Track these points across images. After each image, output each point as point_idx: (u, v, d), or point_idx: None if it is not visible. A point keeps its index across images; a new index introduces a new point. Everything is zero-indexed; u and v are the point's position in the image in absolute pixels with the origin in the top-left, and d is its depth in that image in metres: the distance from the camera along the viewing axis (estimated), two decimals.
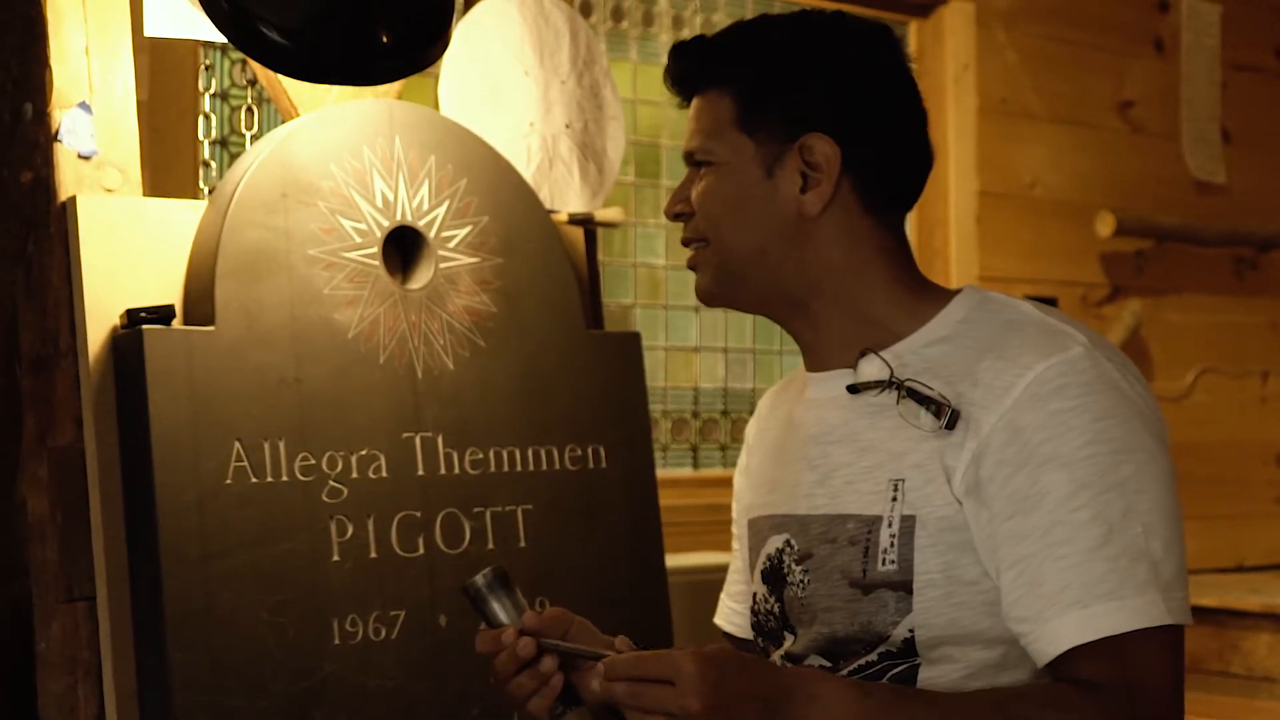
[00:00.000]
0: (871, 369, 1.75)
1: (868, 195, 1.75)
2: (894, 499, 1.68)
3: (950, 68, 3.94)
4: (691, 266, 1.82)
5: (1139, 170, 4.20)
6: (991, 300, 1.75)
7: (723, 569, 2.09)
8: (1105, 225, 4.01)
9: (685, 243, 1.82)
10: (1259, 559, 4.33)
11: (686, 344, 3.68)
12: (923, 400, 1.67)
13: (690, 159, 1.80)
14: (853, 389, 1.76)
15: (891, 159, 1.77)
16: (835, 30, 1.79)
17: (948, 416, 1.65)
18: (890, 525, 1.67)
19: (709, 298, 1.83)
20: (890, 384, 1.71)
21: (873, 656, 1.68)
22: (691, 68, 1.80)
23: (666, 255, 3.64)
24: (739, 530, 1.97)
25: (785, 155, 1.74)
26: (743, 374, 3.77)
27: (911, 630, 1.65)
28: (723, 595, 2.05)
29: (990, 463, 1.62)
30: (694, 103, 1.80)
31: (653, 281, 3.64)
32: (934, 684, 1.66)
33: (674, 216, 1.82)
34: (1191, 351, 4.28)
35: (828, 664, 1.72)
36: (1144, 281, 4.18)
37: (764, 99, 1.75)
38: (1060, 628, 1.58)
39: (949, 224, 3.95)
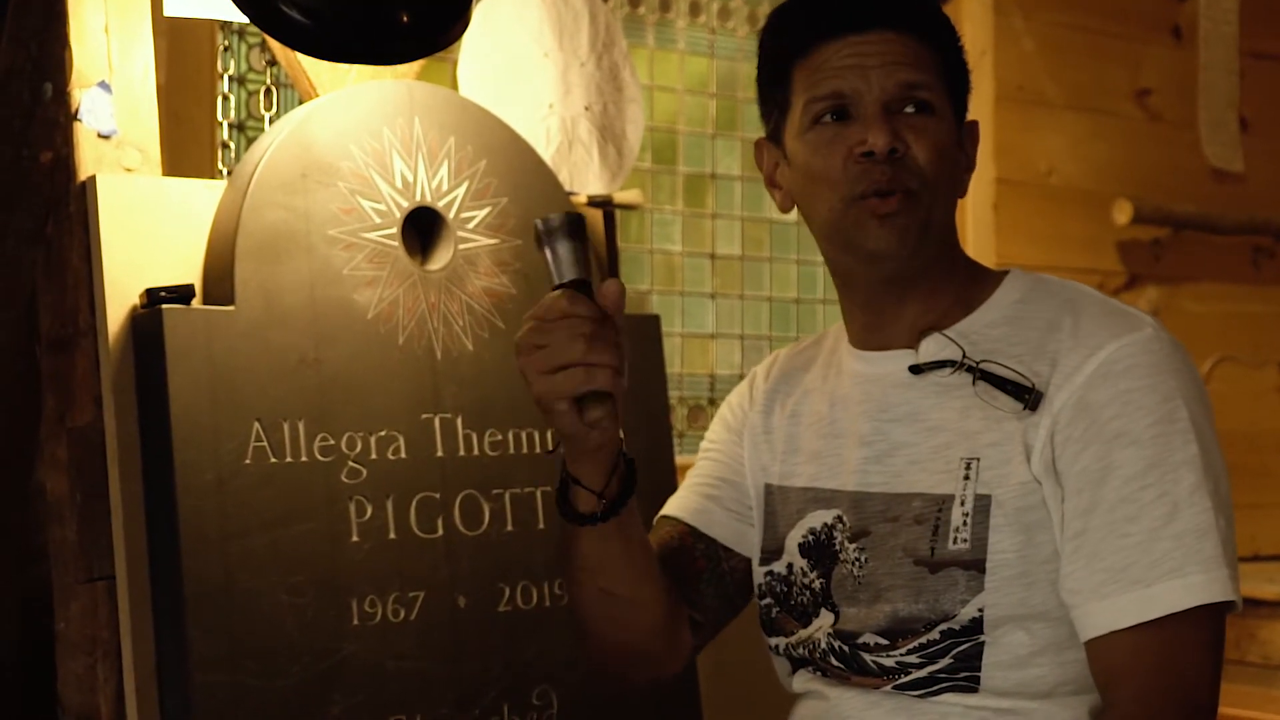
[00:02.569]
0: (937, 349, 1.75)
1: None
2: (966, 478, 1.68)
3: (967, 55, 3.93)
4: (893, 213, 1.69)
5: (1156, 158, 4.18)
6: (1045, 280, 1.78)
7: None
8: (1122, 213, 4.00)
9: (891, 186, 1.69)
10: (1276, 548, 4.31)
11: (703, 331, 3.67)
12: (999, 382, 1.68)
13: (910, 95, 1.70)
14: (916, 369, 1.75)
15: None
16: None
17: (1031, 397, 1.66)
18: (963, 504, 1.67)
19: (893, 254, 1.71)
20: (962, 365, 1.72)
21: (934, 635, 1.67)
22: (910, 4, 1.75)
23: (683, 242, 3.63)
24: (732, 460, 1.95)
25: (961, 131, 1.77)
26: (759, 361, 3.75)
27: (981, 609, 1.65)
28: (686, 491, 1.97)
29: (1061, 439, 1.64)
30: (891, 37, 1.71)
31: (669, 268, 3.63)
32: (999, 661, 1.66)
33: (889, 152, 1.68)
34: (1208, 340, 4.26)
35: (884, 642, 1.71)
36: (1161, 270, 4.16)
37: (959, 70, 1.77)
38: (1120, 605, 1.59)
39: (966, 212, 3.93)
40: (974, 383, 1.70)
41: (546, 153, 2.48)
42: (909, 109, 1.70)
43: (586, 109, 2.57)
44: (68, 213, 2.06)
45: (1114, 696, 1.62)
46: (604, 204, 2.50)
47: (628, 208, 2.57)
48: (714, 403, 3.66)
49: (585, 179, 2.55)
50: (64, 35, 2.07)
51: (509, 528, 2.24)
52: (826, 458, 1.83)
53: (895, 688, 1.71)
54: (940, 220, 1.74)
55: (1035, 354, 1.69)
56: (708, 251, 3.68)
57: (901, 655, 1.70)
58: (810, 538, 1.81)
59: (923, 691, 1.69)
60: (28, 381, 2.11)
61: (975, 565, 1.65)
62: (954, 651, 1.67)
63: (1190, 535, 1.59)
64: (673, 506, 1.97)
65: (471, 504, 2.22)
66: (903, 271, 1.74)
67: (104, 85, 2.09)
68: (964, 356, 1.72)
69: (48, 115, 2.08)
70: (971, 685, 1.67)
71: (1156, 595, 1.58)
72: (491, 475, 2.24)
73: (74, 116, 2.07)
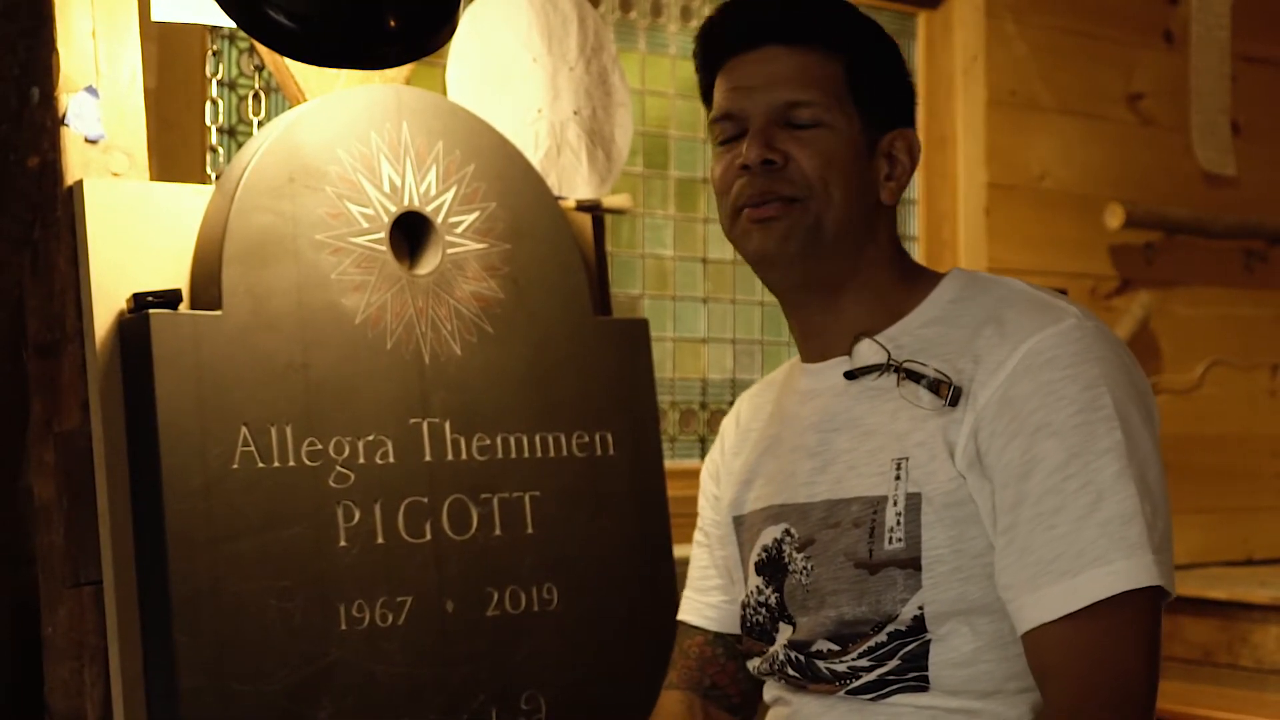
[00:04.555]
0: (868, 353, 1.77)
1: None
2: (898, 478, 1.69)
3: (959, 59, 3.93)
4: (767, 219, 1.74)
5: (1148, 162, 4.19)
6: (980, 279, 1.80)
7: None
8: (1114, 217, 4.00)
9: (763, 195, 1.74)
10: (1268, 552, 4.31)
11: (695, 335, 3.67)
12: (921, 379, 1.70)
13: (789, 111, 1.75)
14: (850, 375, 1.78)
15: None
16: None
17: (950, 393, 1.68)
18: (896, 504, 1.69)
19: (775, 257, 1.76)
20: (888, 367, 1.74)
21: (882, 637, 1.69)
22: (803, 18, 1.77)
23: (675, 246, 3.63)
24: (718, 530, 1.97)
25: (879, 141, 1.78)
26: (751, 365, 3.76)
27: (921, 607, 1.66)
28: (688, 592, 2.04)
29: (986, 434, 1.65)
30: (782, 52, 1.76)
31: (661, 273, 3.63)
32: (945, 660, 1.67)
33: (764, 163, 1.73)
34: (1201, 344, 4.27)
35: (836, 648, 1.72)
36: (1153, 274, 4.16)
37: (871, 80, 1.77)
38: (1048, 597, 1.60)
39: (958, 216, 3.94)
40: (898, 384, 1.72)
41: (535, 157, 2.48)
42: (795, 125, 1.75)
43: (575, 113, 2.57)
44: (55, 217, 2.06)
45: (1049, 690, 1.62)
46: (593, 208, 2.49)
47: (617, 212, 2.57)
48: (705, 407, 3.66)
49: (574, 183, 2.55)
50: (51, 40, 2.07)
51: (497, 532, 2.24)
52: (778, 476, 1.85)
53: (848, 692, 1.73)
54: (837, 227, 1.75)
55: (960, 352, 1.70)
56: (699, 256, 3.68)
57: (853, 660, 1.71)
58: (764, 555, 1.83)
59: (874, 695, 1.71)
60: (15, 386, 2.10)
61: (911, 563, 1.67)
62: (901, 652, 1.68)
63: (1115, 522, 1.59)
64: (686, 611, 2.02)
65: (459, 509, 2.22)
66: (807, 278, 1.78)
67: (91, 90, 2.09)
68: (889, 358, 1.74)
69: (35, 120, 2.08)
70: (921, 685, 1.68)
71: (1082, 585, 1.59)
72: (479, 480, 2.24)
73: (61, 121, 2.07)
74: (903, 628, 1.67)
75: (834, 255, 1.76)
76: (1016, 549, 1.62)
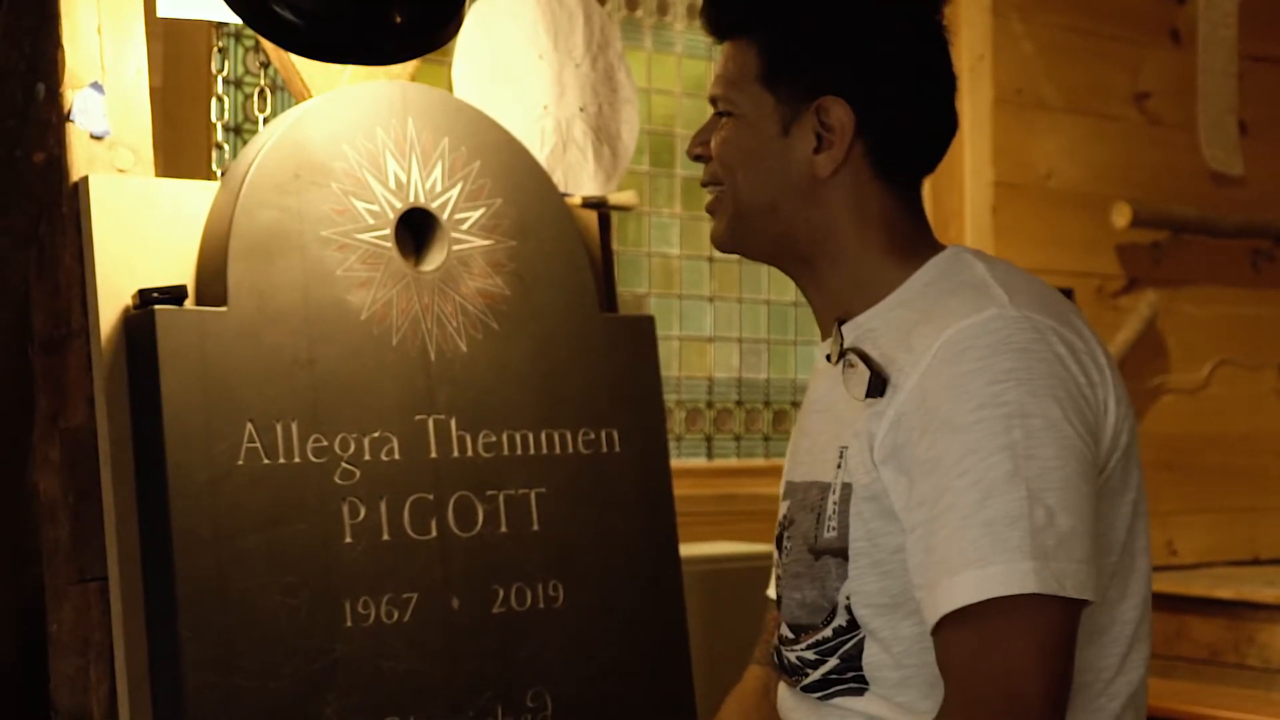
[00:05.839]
0: (848, 336, 1.75)
1: (879, 161, 1.75)
2: (839, 466, 1.69)
3: (966, 58, 3.93)
4: (710, 211, 1.85)
5: (1155, 162, 4.18)
6: (959, 261, 1.73)
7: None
8: (1121, 217, 4.00)
9: (704, 184, 1.84)
10: (1275, 551, 4.31)
11: (701, 334, 3.67)
12: (857, 370, 1.68)
13: (714, 103, 1.82)
14: (829, 357, 1.77)
15: (908, 126, 1.76)
16: None
17: (870, 384, 1.65)
18: (834, 493, 1.68)
19: (720, 243, 1.85)
20: (845, 352, 1.72)
21: (827, 632, 1.69)
22: (724, 13, 1.82)
23: (681, 245, 3.63)
24: None
25: (802, 115, 1.75)
26: (757, 364, 3.76)
27: (849, 598, 1.66)
28: (775, 570, 2.01)
29: (905, 428, 1.61)
30: (724, 48, 1.82)
31: (667, 271, 3.63)
32: (878, 659, 1.66)
33: (694, 157, 1.84)
34: (1207, 343, 4.26)
35: (791, 635, 1.75)
36: (1160, 273, 4.16)
37: (789, 57, 1.75)
38: (937, 595, 1.55)
39: (964, 215, 3.94)
40: (842, 371, 1.71)
41: (541, 154, 2.47)
42: (721, 116, 1.81)
43: (581, 110, 2.57)
44: (60, 213, 2.06)
45: (945, 689, 1.57)
46: (599, 205, 2.49)
47: (622, 209, 2.57)
48: (711, 406, 3.66)
49: (580, 180, 2.55)
50: (57, 35, 2.07)
51: (503, 529, 2.24)
52: (792, 454, 1.87)
53: (801, 689, 1.73)
54: (753, 206, 1.77)
55: (900, 340, 1.67)
56: (706, 254, 3.68)
57: (801, 650, 1.72)
58: (778, 530, 1.85)
59: (820, 694, 1.71)
60: (20, 382, 2.10)
61: (841, 553, 1.66)
62: (840, 650, 1.68)
63: (999, 524, 1.52)
64: (770, 586, 1.99)
65: (465, 505, 2.22)
66: (765, 255, 1.85)
67: (97, 86, 2.09)
68: (842, 345, 1.73)
69: (41, 116, 2.08)
70: (860, 688, 1.68)
71: (957, 585, 1.52)
72: (485, 477, 2.24)
73: (67, 117, 2.07)
74: (844, 622, 1.67)
75: (773, 233, 1.79)
76: (922, 546, 1.58)
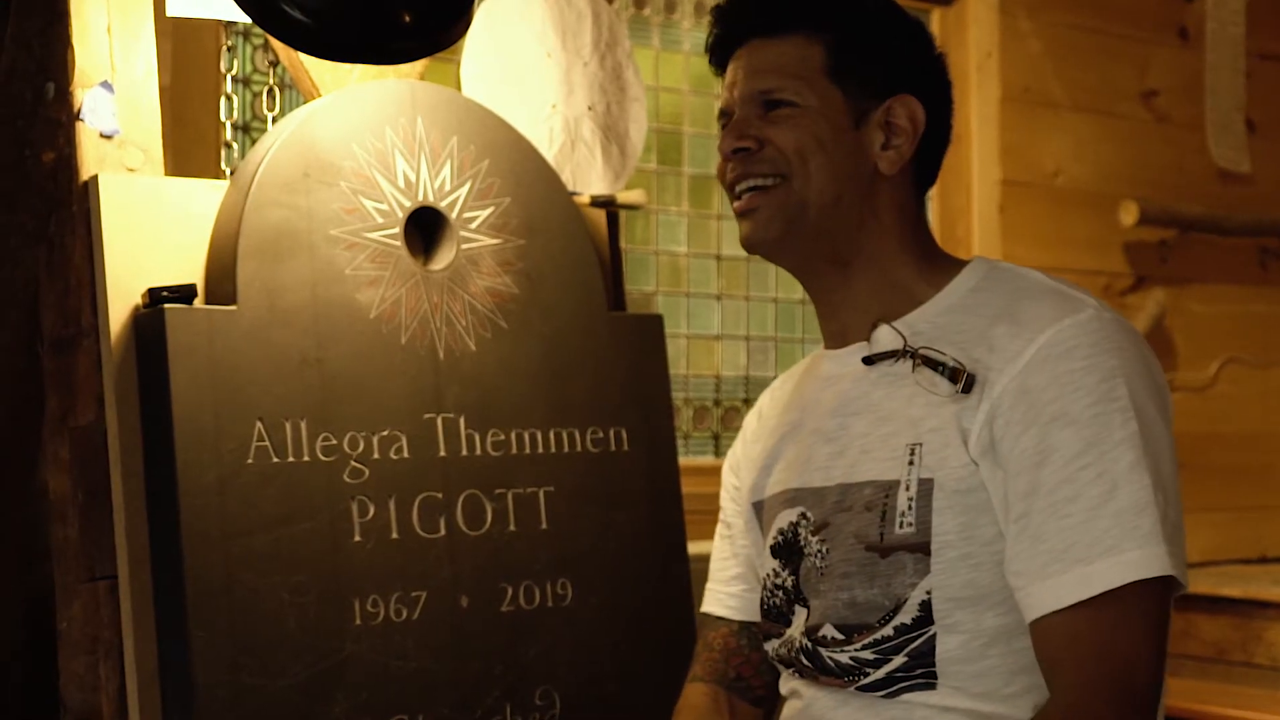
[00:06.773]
0: (886, 339, 1.78)
1: (920, 165, 1.83)
2: (911, 463, 1.71)
3: (973, 56, 3.93)
4: (748, 210, 1.80)
5: (1163, 160, 4.18)
6: (1001, 269, 1.81)
7: None
8: (1129, 215, 3.99)
9: (742, 180, 1.80)
10: None
11: (708, 332, 3.67)
12: (937, 366, 1.71)
13: (763, 98, 1.80)
14: (868, 360, 1.80)
15: (944, 134, 1.85)
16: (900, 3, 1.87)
17: (964, 380, 1.69)
18: (908, 489, 1.70)
19: (762, 243, 1.81)
20: (905, 353, 1.76)
21: (888, 630, 1.69)
22: (780, 10, 1.82)
23: (688, 243, 3.63)
24: (740, 520, 1.99)
25: (873, 111, 1.79)
26: (765, 362, 3.76)
27: (929, 592, 1.67)
28: (710, 585, 2.05)
29: (1002, 423, 1.66)
30: (764, 44, 1.81)
31: (674, 269, 3.63)
32: (952, 654, 1.67)
33: (735, 152, 1.80)
34: (1215, 342, 4.26)
35: (840, 636, 1.73)
36: (1168, 271, 4.15)
37: (858, 53, 1.79)
38: (1060, 585, 1.60)
39: (972, 213, 3.93)
40: (914, 369, 1.73)
41: (549, 153, 2.48)
42: (771, 110, 1.79)
43: (589, 109, 2.57)
44: (70, 212, 2.06)
45: (1054, 678, 1.63)
46: (607, 204, 2.49)
47: (631, 208, 2.57)
48: (719, 404, 3.66)
49: (588, 179, 2.55)
50: (66, 35, 2.07)
51: (511, 528, 2.24)
52: (796, 460, 1.86)
53: (858, 689, 1.73)
54: (822, 199, 1.77)
55: (976, 341, 1.71)
56: (713, 252, 3.68)
57: (855, 651, 1.72)
58: (779, 538, 1.84)
59: (884, 692, 1.71)
60: (30, 381, 2.11)
61: (921, 548, 1.68)
62: (908, 648, 1.69)
63: (1128, 512, 1.60)
64: (709, 603, 2.04)
65: (474, 504, 2.22)
66: (805, 258, 1.82)
67: (106, 85, 2.09)
68: (905, 344, 1.75)
69: (50, 115, 2.08)
70: (930, 682, 1.68)
71: (1094, 573, 1.59)
72: (494, 475, 2.24)
73: (76, 116, 2.07)
74: (909, 620, 1.68)
75: (825, 230, 1.79)
76: (1029, 537, 1.63)
